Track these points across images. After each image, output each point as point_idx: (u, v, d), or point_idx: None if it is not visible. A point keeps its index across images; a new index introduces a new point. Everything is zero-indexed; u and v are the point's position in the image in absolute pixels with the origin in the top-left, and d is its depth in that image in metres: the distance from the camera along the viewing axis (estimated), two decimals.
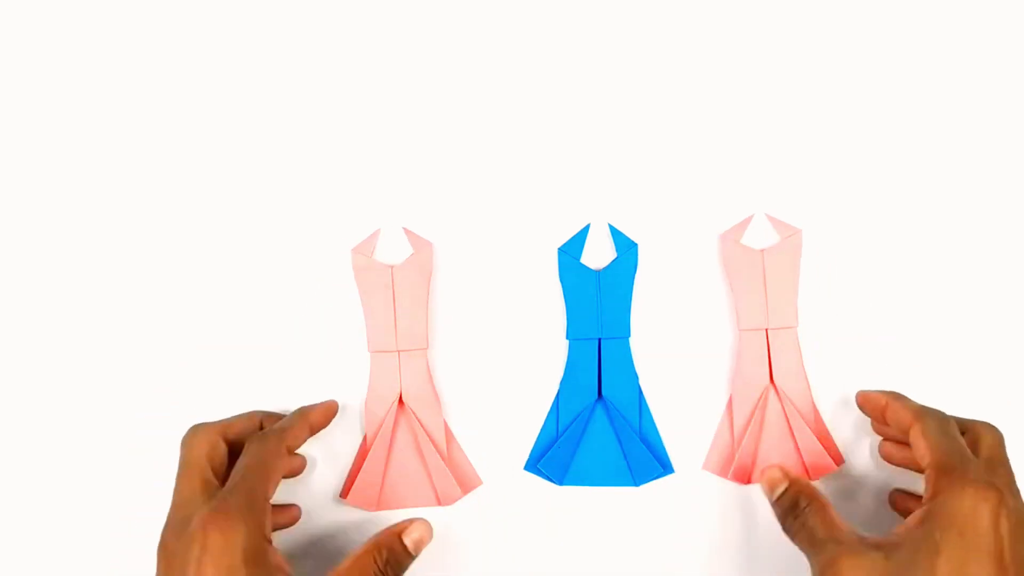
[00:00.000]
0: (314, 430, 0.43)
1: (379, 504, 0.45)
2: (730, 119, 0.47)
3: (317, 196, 0.47)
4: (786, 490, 0.40)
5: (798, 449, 0.44)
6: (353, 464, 0.46)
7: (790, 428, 0.44)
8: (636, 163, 0.47)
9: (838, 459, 0.45)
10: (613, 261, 0.46)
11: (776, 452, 0.44)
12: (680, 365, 0.46)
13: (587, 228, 0.47)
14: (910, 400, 0.41)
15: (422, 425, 0.45)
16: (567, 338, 0.46)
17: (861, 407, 0.43)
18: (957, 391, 0.45)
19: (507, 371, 0.46)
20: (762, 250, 0.46)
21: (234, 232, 0.47)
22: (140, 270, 0.47)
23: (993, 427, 0.39)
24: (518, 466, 0.46)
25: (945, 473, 0.34)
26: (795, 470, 0.42)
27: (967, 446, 0.37)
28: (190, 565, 0.32)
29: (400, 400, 0.45)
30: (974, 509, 0.33)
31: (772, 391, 0.45)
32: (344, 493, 0.45)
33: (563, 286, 0.46)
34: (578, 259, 0.46)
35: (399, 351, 0.45)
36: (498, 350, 0.46)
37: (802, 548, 0.38)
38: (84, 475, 0.46)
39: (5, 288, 0.47)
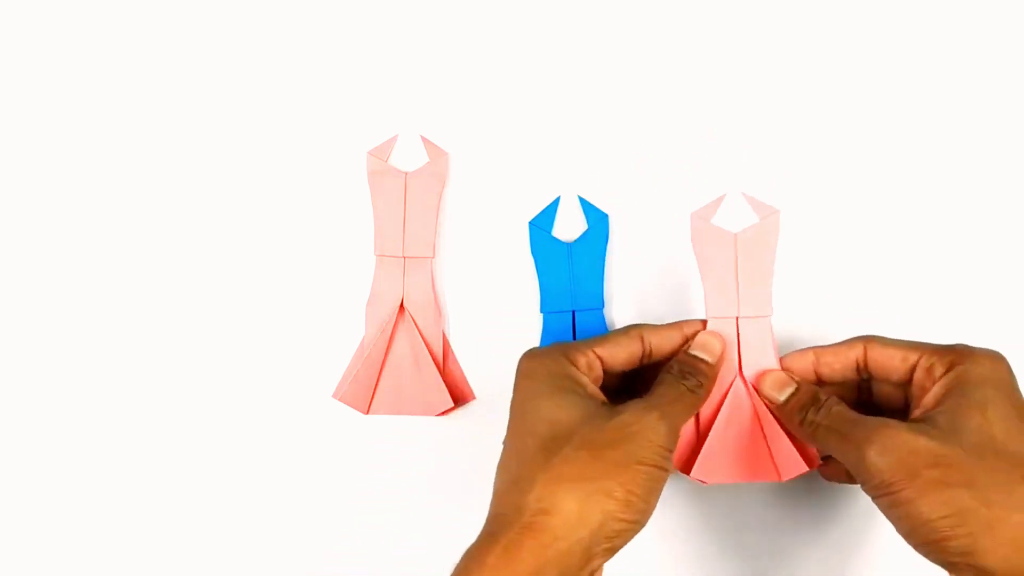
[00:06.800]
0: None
1: (370, 408, 0.44)
2: (704, 90, 0.47)
3: (336, 100, 0.47)
4: (796, 390, 0.39)
5: (768, 448, 0.40)
6: (349, 365, 0.45)
7: (760, 425, 0.40)
8: (608, 134, 0.47)
9: (813, 460, 0.40)
10: (584, 233, 0.46)
11: (746, 451, 0.40)
12: None
13: (557, 200, 0.46)
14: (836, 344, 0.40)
15: (421, 333, 0.44)
16: (541, 311, 0.45)
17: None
18: None
19: (482, 347, 0.46)
20: (735, 233, 0.41)
21: (253, 131, 0.47)
22: (158, 163, 0.47)
23: None
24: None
25: (949, 350, 0.36)
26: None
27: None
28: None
29: (401, 306, 0.45)
30: (999, 365, 0.35)
31: (741, 384, 0.41)
32: (337, 392, 0.44)
33: (535, 259, 0.46)
34: (549, 232, 0.46)
35: (405, 257, 0.45)
36: (480, 311, 0.46)
37: (825, 439, 0.36)
38: (84, 475, 0.46)
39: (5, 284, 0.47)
